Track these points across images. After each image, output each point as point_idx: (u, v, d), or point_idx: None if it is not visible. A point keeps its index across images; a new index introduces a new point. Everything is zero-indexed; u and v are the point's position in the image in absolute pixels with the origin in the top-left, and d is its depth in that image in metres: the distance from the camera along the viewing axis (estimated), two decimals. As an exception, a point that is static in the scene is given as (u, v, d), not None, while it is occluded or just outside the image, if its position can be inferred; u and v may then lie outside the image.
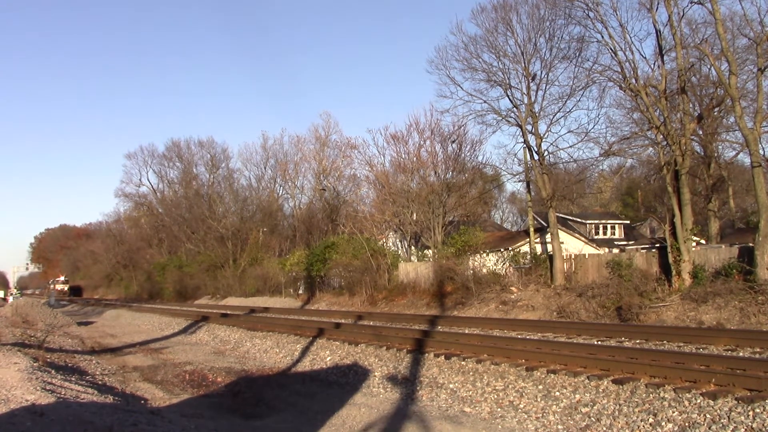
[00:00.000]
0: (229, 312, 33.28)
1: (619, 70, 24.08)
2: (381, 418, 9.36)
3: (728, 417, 7.35)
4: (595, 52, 25.87)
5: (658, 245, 27.13)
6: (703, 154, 33.37)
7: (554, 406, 8.97)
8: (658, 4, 23.23)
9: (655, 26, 23.89)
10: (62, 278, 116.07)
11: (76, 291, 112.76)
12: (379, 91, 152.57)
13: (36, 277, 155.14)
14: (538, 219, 40.20)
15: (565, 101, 28.28)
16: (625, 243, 44.25)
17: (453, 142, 37.07)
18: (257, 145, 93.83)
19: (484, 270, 28.95)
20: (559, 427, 8.29)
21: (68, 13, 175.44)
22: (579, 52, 26.51)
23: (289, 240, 57.84)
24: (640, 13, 24.24)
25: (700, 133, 30.71)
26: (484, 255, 30.98)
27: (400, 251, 39.71)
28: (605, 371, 9.98)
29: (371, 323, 22.78)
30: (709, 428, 7.22)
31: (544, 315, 22.68)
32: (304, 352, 16.13)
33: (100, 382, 12.45)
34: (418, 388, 11.14)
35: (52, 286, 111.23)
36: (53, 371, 11.94)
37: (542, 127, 29.09)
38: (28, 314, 32.09)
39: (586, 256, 27.01)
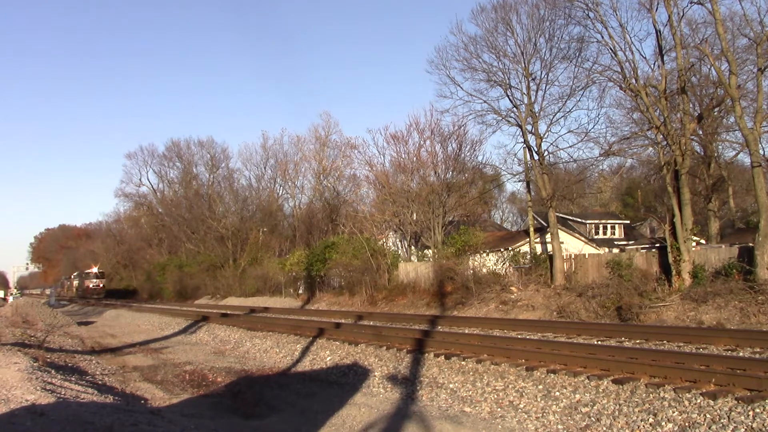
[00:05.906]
0: (229, 312, 33.26)
1: (619, 70, 24.10)
2: (381, 418, 9.36)
3: (728, 417, 7.35)
4: (595, 52, 25.93)
5: (658, 245, 27.13)
6: (703, 154, 33.41)
7: (554, 406, 8.97)
8: (658, 4, 23.24)
9: (655, 26, 23.92)
10: (95, 270, 78.83)
11: (121, 291, 79.23)
12: (379, 91, 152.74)
13: (36, 277, 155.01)
14: (538, 219, 40.20)
15: (565, 101, 28.38)
16: (625, 243, 44.24)
17: (452, 134, 36.80)
18: (257, 145, 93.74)
19: (484, 270, 28.94)
20: (559, 427, 8.29)
21: (68, 12, 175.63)
22: (579, 52, 26.61)
23: (289, 240, 57.79)
24: (640, 13, 24.29)
25: (700, 133, 30.70)
26: (484, 255, 30.98)
27: (400, 251, 39.68)
28: (605, 371, 9.99)
29: (371, 323, 22.76)
30: (709, 428, 7.22)
31: (544, 315, 22.67)
32: (304, 352, 16.12)
33: (100, 382, 12.45)
34: (418, 388, 11.13)
35: (75, 282, 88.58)
36: (53, 371, 11.94)
37: (542, 127, 29.17)
38: (28, 314, 32.09)
39: (586, 256, 27.01)
